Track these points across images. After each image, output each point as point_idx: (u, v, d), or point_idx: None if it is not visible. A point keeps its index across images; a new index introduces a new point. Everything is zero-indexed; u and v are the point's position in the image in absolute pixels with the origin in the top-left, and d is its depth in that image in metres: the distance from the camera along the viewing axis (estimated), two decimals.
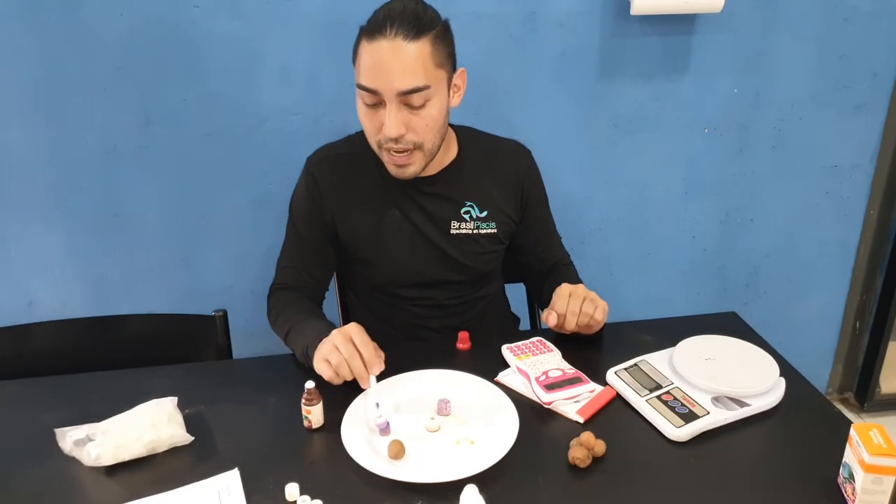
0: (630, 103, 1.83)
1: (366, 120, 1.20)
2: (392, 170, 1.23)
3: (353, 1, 1.56)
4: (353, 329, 1.10)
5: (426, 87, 1.14)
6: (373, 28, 1.13)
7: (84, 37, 1.56)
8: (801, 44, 1.82)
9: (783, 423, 1.05)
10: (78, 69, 1.58)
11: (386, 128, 1.15)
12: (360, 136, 1.35)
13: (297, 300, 1.32)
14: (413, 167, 1.21)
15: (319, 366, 1.09)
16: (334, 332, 1.11)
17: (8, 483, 0.96)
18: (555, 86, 1.77)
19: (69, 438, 0.99)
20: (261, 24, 1.60)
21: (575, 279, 1.42)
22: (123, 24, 1.56)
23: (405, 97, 1.13)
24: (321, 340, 1.11)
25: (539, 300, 1.52)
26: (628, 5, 1.68)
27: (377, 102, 1.15)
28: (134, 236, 1.76)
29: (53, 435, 1.01)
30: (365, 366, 1.07)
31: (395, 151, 1.18)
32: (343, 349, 1.07)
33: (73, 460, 0.98)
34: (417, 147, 1.19)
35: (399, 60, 1.11)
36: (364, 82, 1.14)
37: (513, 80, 1.75)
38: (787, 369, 1.14)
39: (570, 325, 1.18)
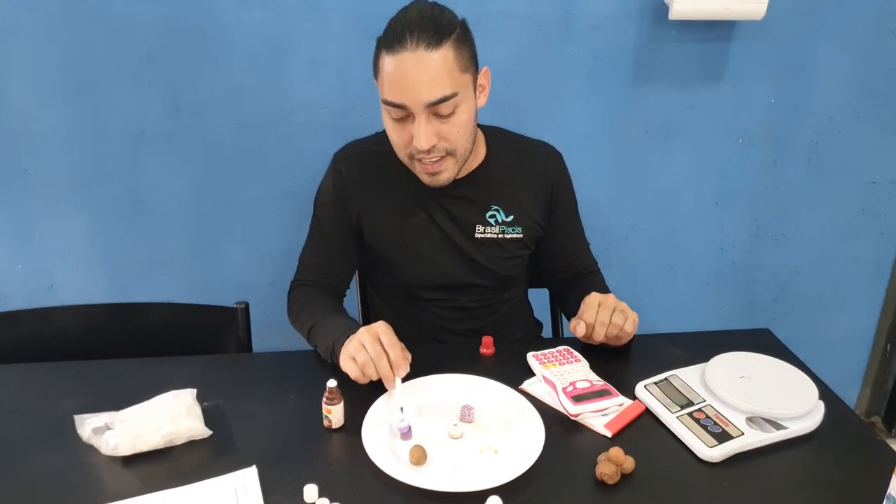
0: (663, 110, 1.79)
1: (394, 134, 1.17)
2: (425, 178, 1.20)
3: None
4: (381, 328, 1.08)
5: (454, 95, 1.11)
6: (392, 40, 1.09)
7: (116, 22, 1.55)
8: (845, 55, 1.77)
9: (821, 449, 1.01)
10: (109, 54, 1.57)
11: (417, 141, 1.12)
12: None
13: (319, 296, 1.30)
14: (446, 173, 1.19)
15: (345, 363, 1.07)
16: (362, 329, 1.09)
17: (25, 467, 0.95)
18: (587, 89, 1.74)
19: (88, 426, 0.98)
20: (293, 16, 1.59)
21: (603, 287, 1.39)
22: (156, 10, 1.54)
23: (434, 108, 1.11)
24: (348, 337, 1.09)
25: (563, 307, 1.48)
26: (666, 9, 1.64)
27: (405, 116, 1.13)
28: (156, 224, 1.76)
29: (72, 421, 1.00)
30: (391, 367, 1.05)
31: (427, 160, 1.16)
32: (370, 348, 1.05)
33: (91, 448, 0.97)
34: (450, 154, 1.17)
35: (424, 72, 1.08)
36: (390, 98, 1.11)
37: (545, 82, 1.72)
38: (825, 392, 1.10)
39: (599, 336, 1.15)
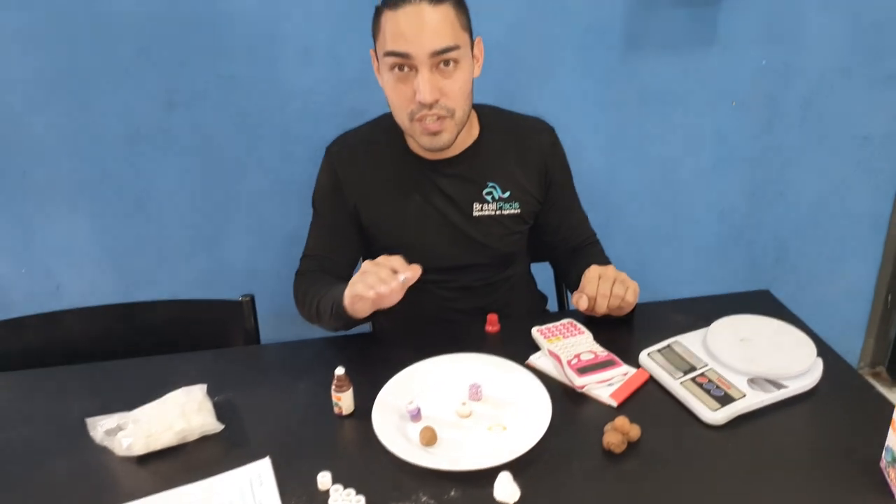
0: (656, 77, 1.78)
1: (395, 93, 1.17)
2: (424, 140, 1.20)
3: None
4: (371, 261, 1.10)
5: (457, 47, 1.13)
6: (395, 0, 1.12)
7: (105, 19, 1.54)
8: (832, 13, 1.76)
9: (822, 405, 1.03)
10: (100, 52, 1.57)
11: (420, 93, 1.13)
12: (379, 120, 1.33)
13: (321, 278, 1.31)
14: (446, 134, 1.19)
15: (354, 290, 1.08)
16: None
17: (40, 472, 0.96)
18: (580, 60, 1.73)
19: (100, 428, 0.99)
20: (282, 4, 1.58)
21: (602, 258, 1.40)
22: (145, 5, 1.53)
23: (438, 58, 1.12)
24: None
25: (566, 280, 1.50)
26: None
27: (407, 68, 1.13)
28: (158, 220, 1.76)
29: (84, 424, 1.01)
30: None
31: (428, 119, 1.16)
32: (369, 267, 1.07)
33: (105, 450, 0.98)
34: (450, 114, 1.17)
35: (429, 22, 1.10)
36: (394, 48, 1.12)
37: (537, 55, 1.71)
38: (823, 349, 1.11)
39: (601, 309, 1.16)
